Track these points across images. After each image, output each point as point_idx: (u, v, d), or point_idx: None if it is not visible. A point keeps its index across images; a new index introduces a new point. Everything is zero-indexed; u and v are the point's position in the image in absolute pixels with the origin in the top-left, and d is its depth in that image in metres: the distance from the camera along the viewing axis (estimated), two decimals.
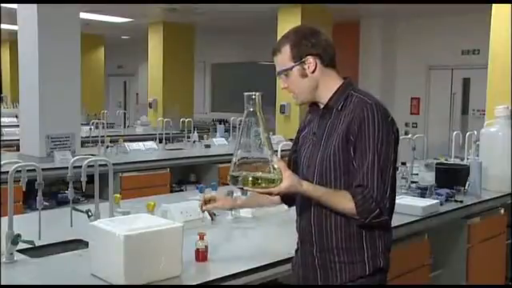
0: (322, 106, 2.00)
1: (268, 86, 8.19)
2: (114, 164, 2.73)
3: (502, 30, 4.67)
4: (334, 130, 1.92)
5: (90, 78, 10.91)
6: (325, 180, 1.92)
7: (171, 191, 5.55)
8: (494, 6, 4.78)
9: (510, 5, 4.56)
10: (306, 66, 1.94)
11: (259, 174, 1.71)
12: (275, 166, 1.72)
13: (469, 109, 9.14)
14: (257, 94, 1.73)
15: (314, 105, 2.04)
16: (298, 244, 2.10)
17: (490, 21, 4.80)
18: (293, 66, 1.94)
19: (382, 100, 1.95)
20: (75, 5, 5.37)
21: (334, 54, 1.99)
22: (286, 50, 1.95)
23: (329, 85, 1.96)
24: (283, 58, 1.96)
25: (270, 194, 1.79)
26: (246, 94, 1.74)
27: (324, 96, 1.98)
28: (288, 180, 1.76)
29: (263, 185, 1.72)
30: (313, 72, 1.94)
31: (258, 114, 1.73)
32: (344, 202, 1.85)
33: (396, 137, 1.91)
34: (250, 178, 1.70)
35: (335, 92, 1.96)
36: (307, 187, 1.83)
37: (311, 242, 1.98)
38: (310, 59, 1.93)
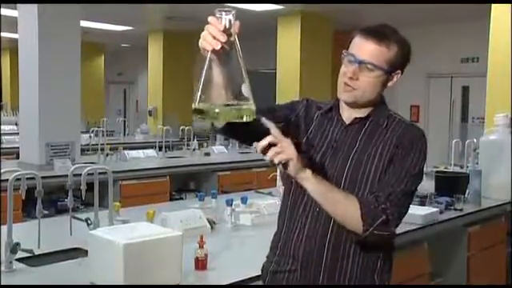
0: (346, 113, 1.79)
1: (268, 93, 8.18)
2: (113, 172, 2.73)
3: (501, 37, 4.68)
4: (371, 147, 1.72)
5: (90, 85, 10.91)
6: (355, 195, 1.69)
7: (171, 199, 5.55)
8: (493, 14, 4.78)
9: (509, 10, 4.56)
10: (390, 78, 1.74)
11: (227, 106, 1.41)
12: (246, 96, 1.42)
13: (468, 117, 9.15)
14: (231, 12, 1.45)
15: (332, 110, 1.82)
16: (291, 266, 1.78)
17: (489, 29, 4.81)
18: (385, 70, 1.70)
19: None
20: (76, 14, 5.38)
21: None
22: (393, 51, 1.70)
23: (377, 98, 1.77)
24: (384, 54, 1.69)
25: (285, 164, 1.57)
26: (217, 9, 1.44)
27: (366, 106, 1.77)
28: (294, 150, 1.55)
29: (236, 115, 1.41)
30: (389, 86, 1.75)
31: (233, 38, 1.44)
32: (348, 202, 1.64)
33: None
34: (217, 110, 1.40)
35: (376, 105, 1.78)
36: (311, 175, 1.60)
37: (316, 275, 1.74)
38: (398, 75, 1.75)
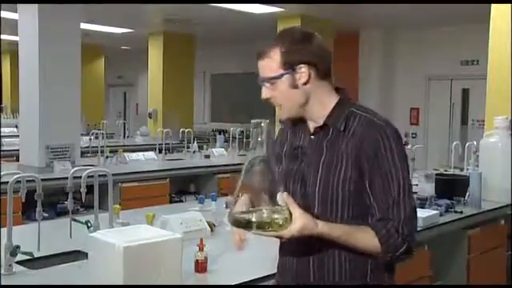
0: (310, 124, 1.74)
1: None
2: (113, 174, 2.73)
3: (501, 40, 4.68)
4: (336, 155, 1.66)
5: (90, 88, 10.92)
6: (329, 212, 1.66)
7: (171, 202, 5.54)
8: (493, 14, 4.79)
9: (509, 10, 4.56)
10: (297, 76, 1.66)
11: (265, 215, 1.49)
12: (283, 206, 1.50)
13: (468, 119, 9.16)
14: (266, 121, 1.53)
15: (299, 120, 1.77)
16: (285, 281, 1.81)
17: (489, 31, 4.81)
18: (282, 74, 1.65)
19: (381, 110, 1.86)
20: (76, 16, 5.39)
21: (330, 64, 1.72)
22: (276, 55, 1.66)
23: (322, 99, 1.71)
24: (271, 64, 1.67)
25: (281, 238, 1.57)
26: (253, 121, 1.52)
27: (316, 112, 1.71)
28: (301, 220, 1.52)
29: (270, 229, 1.50)
30: (305, 84, 1.67)
31: (265, 145, 1.52)
32: (367, 239, 1.61)
33: None
34: (254, 219, 1.49)
35: (333, 109, 1.70)
36: (323, 228, 1.57)
37: (307, 283, 1.73)
38: (303, 69, 1.65)
